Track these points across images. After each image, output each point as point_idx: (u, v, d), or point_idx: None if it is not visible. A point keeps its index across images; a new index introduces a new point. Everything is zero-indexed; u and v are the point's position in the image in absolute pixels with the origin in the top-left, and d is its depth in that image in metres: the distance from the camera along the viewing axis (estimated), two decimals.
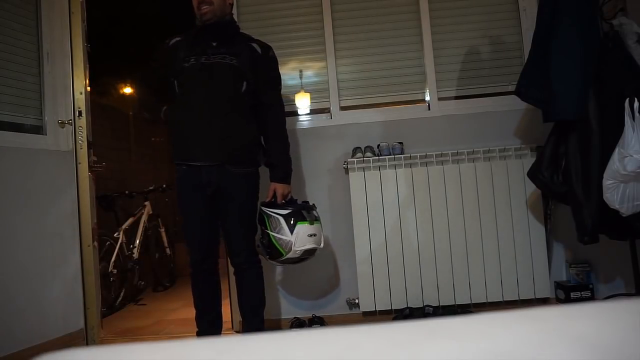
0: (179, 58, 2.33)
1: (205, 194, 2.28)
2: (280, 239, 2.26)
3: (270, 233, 2.28)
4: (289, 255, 2.27)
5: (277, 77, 2.47)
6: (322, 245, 2.35)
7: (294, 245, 2.24)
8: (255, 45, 2.39)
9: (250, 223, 2.34)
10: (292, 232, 2.24)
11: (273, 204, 2.33)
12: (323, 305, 2.97)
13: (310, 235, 2.27)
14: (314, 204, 2.42)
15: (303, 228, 2.25)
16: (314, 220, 2.32)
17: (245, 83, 2.30)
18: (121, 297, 4.05)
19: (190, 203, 2.34)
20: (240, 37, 2.41)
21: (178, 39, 2.42)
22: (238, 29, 2.45)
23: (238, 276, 2.41)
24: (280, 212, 2.28)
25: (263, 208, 2.34)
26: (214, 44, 2.32)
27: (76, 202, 2.86)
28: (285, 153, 2.40)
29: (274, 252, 2.29)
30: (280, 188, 2.34)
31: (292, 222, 2.26)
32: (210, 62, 2.29)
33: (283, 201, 2.34)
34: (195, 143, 2.27)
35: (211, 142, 2.25)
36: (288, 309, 2.98)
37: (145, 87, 2.54)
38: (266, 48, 2.42)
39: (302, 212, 2.29)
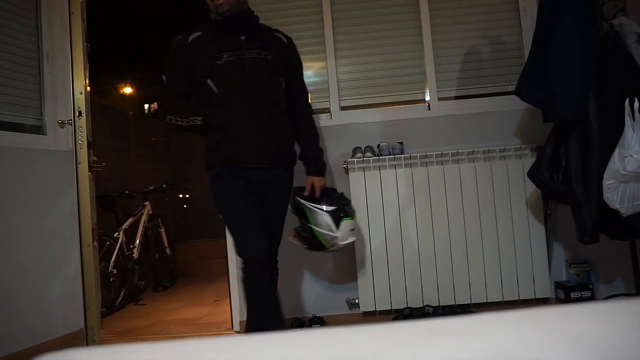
0: (206, 55, 2.15)
1: (256, 193, 2.15)
2: (325, 234, 2.28)
3: (314, 227, 2.29)
4: (332, 249, 2.33)
5: (302, 68, 2.42)
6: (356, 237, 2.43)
7: (339, 240, 2.29)
8: (280, 35, 2.33)
9: (283, 224, 2.34)
10: (338, 228, 2.28)
11: (312, 198, 2.32)
12: (323, 305, 2.97)
13: (352, 230, 2.33)
14: (345, 195, 2.44)
15: (347, 224, 2.30)
16: (354, 214, 2.37)
17: (282, 80, 2.24)
18: (121, 297, 4.05)
19: (241, 198, 2.12)
20: (263, 28, 2.31)
21: (197, 34, 2.22)
22: (258, 19, 2.31)
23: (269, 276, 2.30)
24: (325, 209, 2.29)
25: (302, 201, 2.31)
26: (242, 37, 2.19)
27: (76, 202, 2.86)
28: (318, 145, 2.37)
29: (316, 244, 2.32)
30: (317, 181, 2.32)
31: (338, 218, 2.28)
32: (246, 57, 2.16)
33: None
34: (243, 145, 2.13)
35: (260, 143, 2.14)
36: (288, 309, 2.96)
37: (173, 96, 2.23)
38: (289, 38, 2.37)
39: (345, 208, 2.32)
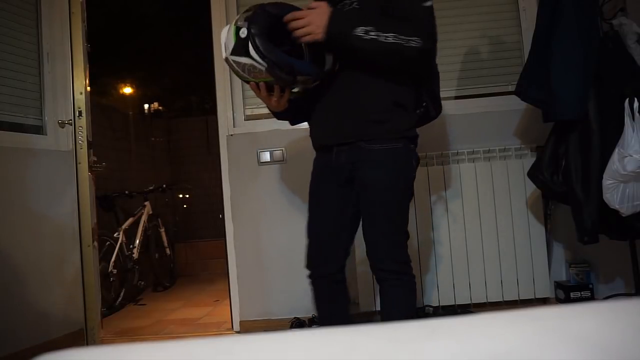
0: None
1: (339, 180, 1.79)
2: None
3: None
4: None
5: None
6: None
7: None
8: None
9: (397, 219, 1.75)
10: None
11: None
12: None
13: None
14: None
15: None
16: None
17: None
18: (121, 297, 4.05)
19: (318, 191, 1.87)
20: None
21: None
22: None
23: (380, 287, 1.80)
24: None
25: None
26: None
27: (76, 202, 2.85)
28: (360, 18, 1.61)
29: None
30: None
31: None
32: None
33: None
34: (323, 118, 1.79)
35: (339, 115, 1.74)
36: (288, 309, 2.97)
37: None
38: None
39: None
